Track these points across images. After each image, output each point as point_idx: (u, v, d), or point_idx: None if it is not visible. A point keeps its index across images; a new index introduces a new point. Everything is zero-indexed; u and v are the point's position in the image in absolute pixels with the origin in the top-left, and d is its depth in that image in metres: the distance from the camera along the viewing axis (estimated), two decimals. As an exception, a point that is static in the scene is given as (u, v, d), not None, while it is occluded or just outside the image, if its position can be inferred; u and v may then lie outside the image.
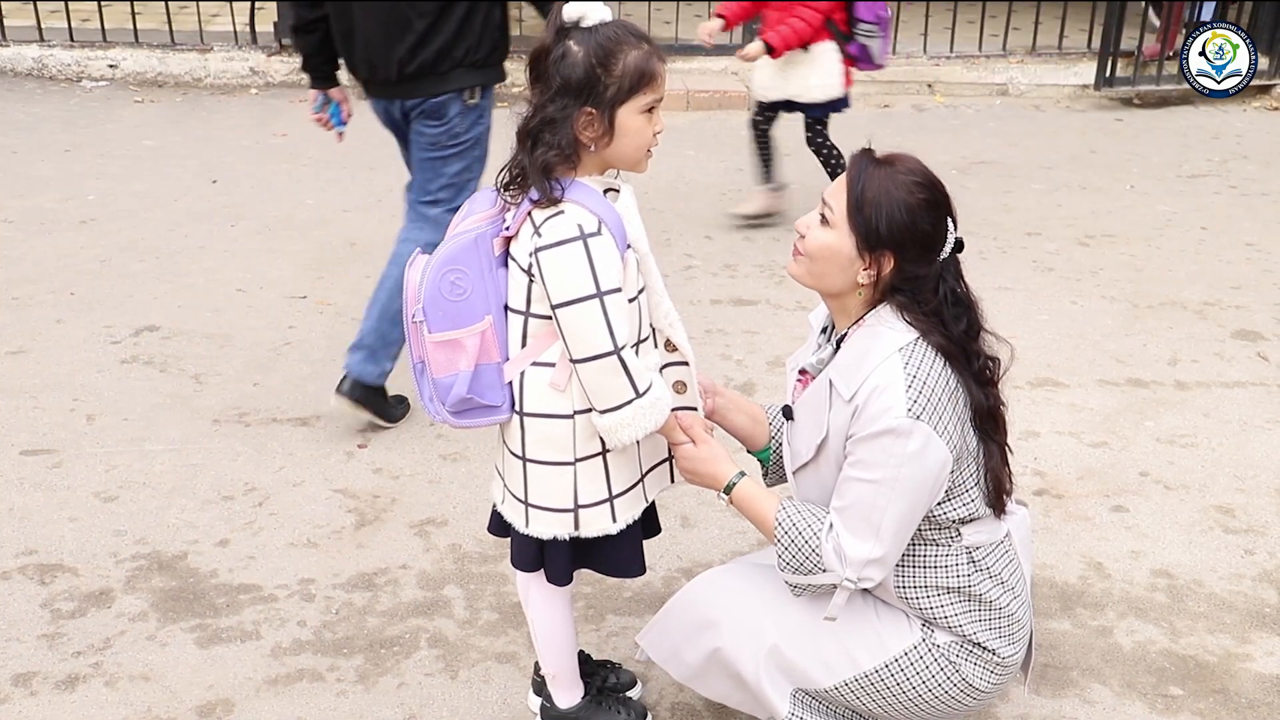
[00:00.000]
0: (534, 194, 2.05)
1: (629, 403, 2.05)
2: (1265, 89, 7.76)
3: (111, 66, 7.88)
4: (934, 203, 2.03)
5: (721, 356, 4.22)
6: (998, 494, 2.13)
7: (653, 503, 2.33)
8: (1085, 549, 3.16)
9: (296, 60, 7.84)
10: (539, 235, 2.02)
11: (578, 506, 2.17)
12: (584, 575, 2.45)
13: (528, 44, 2.13)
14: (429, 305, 2.08)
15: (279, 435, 3.68)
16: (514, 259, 2.10)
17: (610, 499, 2.18)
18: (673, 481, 2.32)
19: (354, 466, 3.52)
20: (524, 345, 2.13)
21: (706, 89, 7.57)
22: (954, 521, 2.10)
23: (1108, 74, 7.75)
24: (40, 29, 7.96)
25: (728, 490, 2.17)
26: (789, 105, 5.23)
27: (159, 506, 3.30)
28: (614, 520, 2.19)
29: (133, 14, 7.96)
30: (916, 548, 2.12)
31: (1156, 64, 7.82)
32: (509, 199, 2.09)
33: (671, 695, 2.62)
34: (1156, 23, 8.13)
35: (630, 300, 2.08)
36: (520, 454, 2.17)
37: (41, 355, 4.17)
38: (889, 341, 2.03)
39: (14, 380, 3.99)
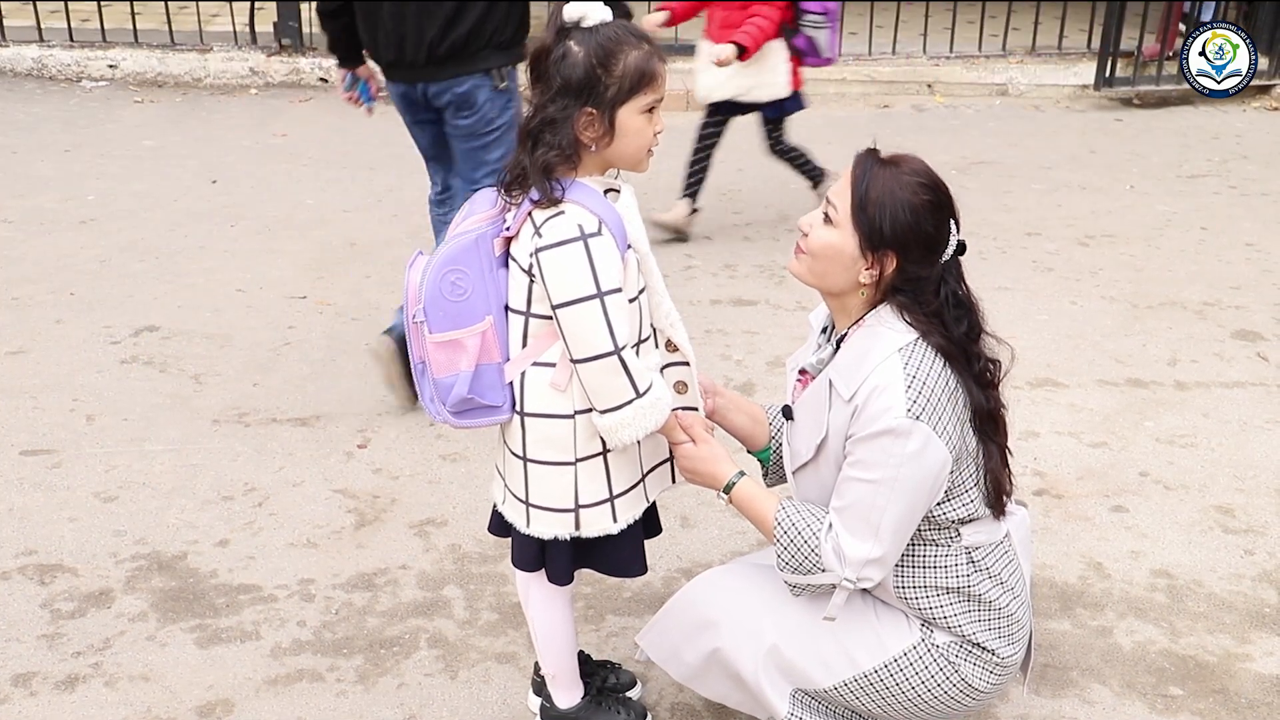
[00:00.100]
0: (534, 194, 2.05)
1: (629, 403, 2.05)
2: (1265, 89, 7.75)
3: (111, 66, 7.88)
4: (938, 204, 2.03)
5: (721, 356, 4.22)
6: (997, 495, 2.13)
7: (654, 503, 2.33)
8: (1085, 549, 3.16)
9: (296, 60, 7.88)
10: (539, 235, 2.02)
11: (578, 506, 2.17)
12: (584, 575, 2.45)
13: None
14: (430, 305, 2.08)
15: (279, 435, 3.68)
16: (514, 259, 2.10)
17: (611, 499, 2.18)
18: (674, 482, 2.32)
19: (354, 466, 3.52)
20: (524, 345, 2.13)
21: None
22: (953, 522, 2.10)
23: (1107, 74, 7.75)
24: (40, 29, 7.97)
25: (727, 490, 2.17)
26: (736, 107, 5.08)
27: (159, 507, 3.30)
28: (615, 520, 2.19)
29: (132, 14, 7.96)
30: (916, 548, 2.12)
31: (1156, 64, 7.82)
32: (509, 199, 2.09)
33: (671, 695, 2.62)
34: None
35: (631, 300, 2.08)
36: (521, 454, 2.17)
37: (41, 355, 4.17)
38: (889, 342, 2.03)
39: (14, 380, 3.99)
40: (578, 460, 2.15)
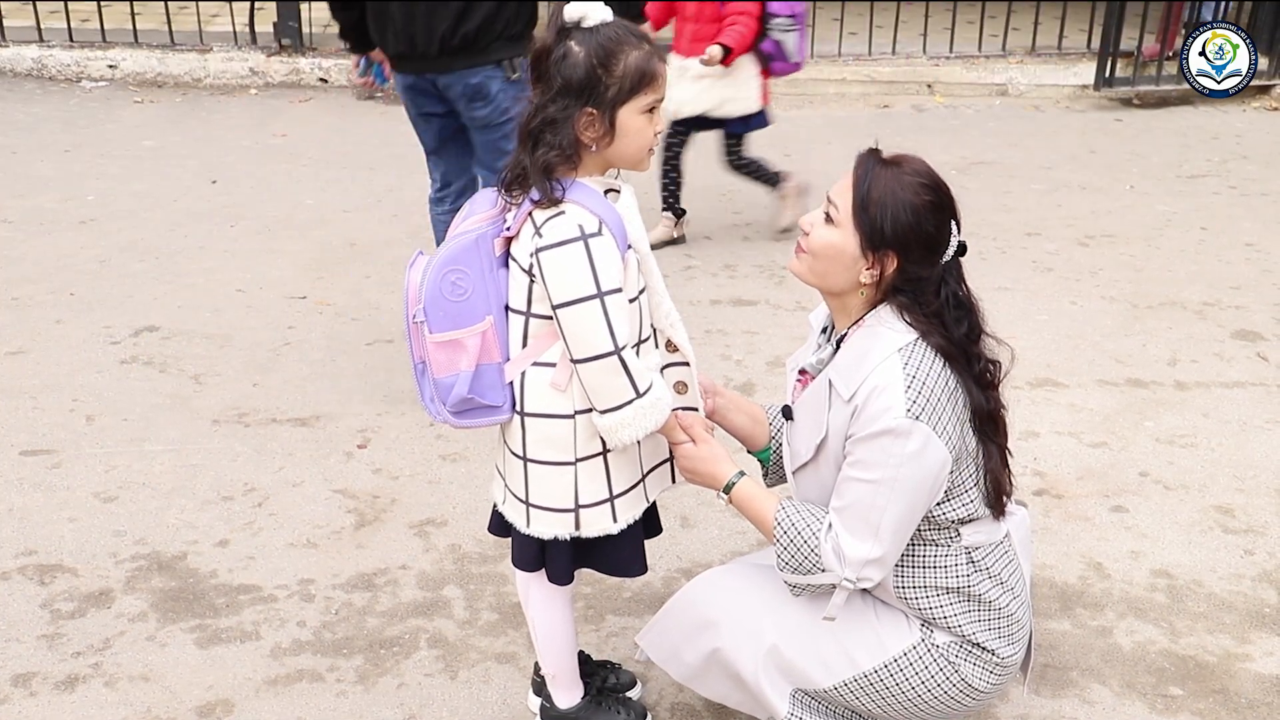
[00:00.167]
0: (535, 194, 2.05)
1: (629, 403, 2.05)
2: (1265, 89, 7.76)
3: (111, 67, 7.88)
4: (939, 205, 2.03)
5: (721, 356, 4.22)
6: (997, 495, 2.13)
7: (654, 503, 2.33)
8: (1085, 549, 3.16)
9: (296, 60, 7.88)
10: (540, 235, 2.02)
11: (578, 506, 2.17)
12: (584, 575, 2.45)
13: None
14: (430, 305, 2.08)
15: (278, 435, 3.68)
16: (515, 259, 2.10)
17: (611, 499, 2.18)
18: (674, 482, 2.32)
19: (354, 467, 3.52)
20: (525, 345, 2.13)
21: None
22: (953, 522, 2.10)
23: (1107, 74, 7.75)
24: (40, 29, 7.97)
25: (727, 490, 2.17)
26: (704, 122, 5.02)
27: (159, 507, 3.30)
28: (615, 520, 2.19)
29: (132, 14, 7.96)
30: (916, 548, 2.12)
31: (1156, 64, 7.82)
32: (510, 199, 2.09)
33: (671, 695, 2.62)
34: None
35: (631, 300, 2.08)
36: (521, 454, 2.17)
37: (41, 355, 4.17)
38: (889, 342, 2.03)
39: (14, 380, 3.99)
40: (578, 460, 2.15)
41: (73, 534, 3.17)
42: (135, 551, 3.11)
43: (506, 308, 2.13)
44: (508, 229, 2.10)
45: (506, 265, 2.12)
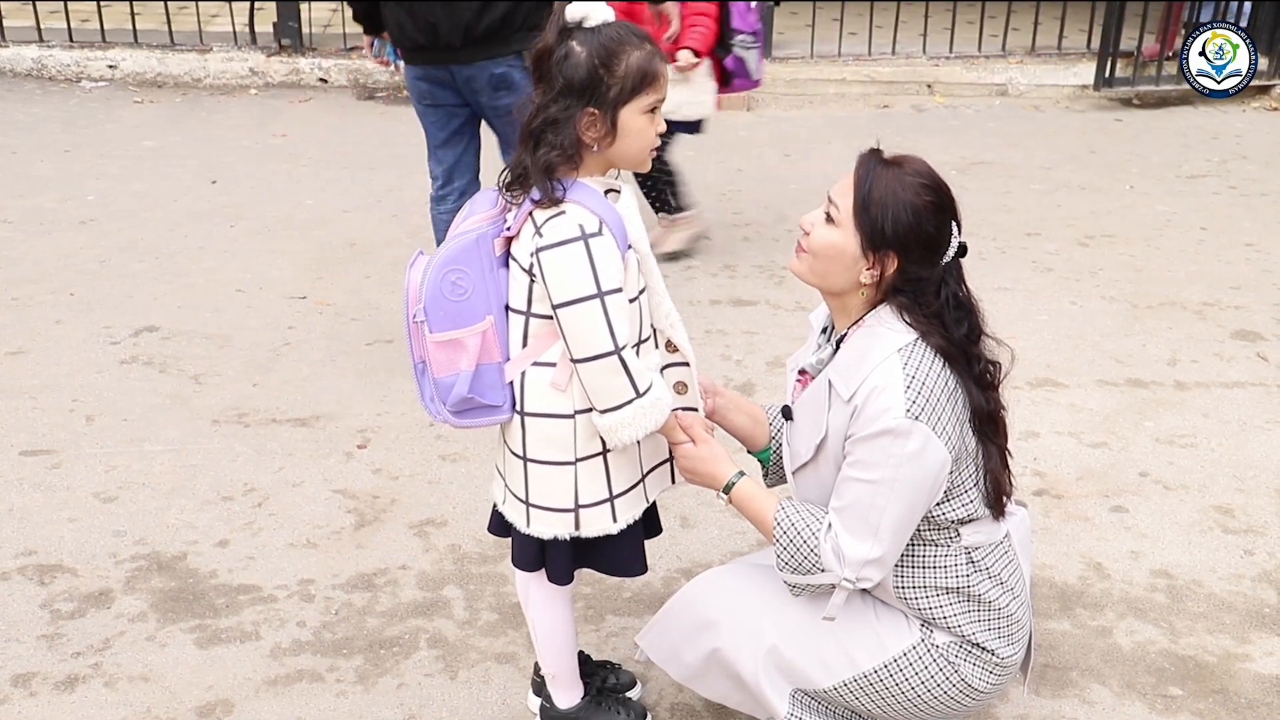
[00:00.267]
0: (535, 194, 2.05)
1: (629, 403, 2.05)
2: (1265, 89, 7.75)
3: (111, 67, 7.88)
4: (940, 206, 2.03)
5: (721, 357, 4.22)
6: (997, 496, 2.13)
7: (654, 503, 2.33)
8: (1085, 549, 3.16)
9: (296, 60, 7.87)
10: (540, 235, 2.02)
11: (578, 506, 2.17)
12: (584, 575, 2.45)
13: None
14: (430, 305, 2.08)
15: (278, 436, 3.68)
16: (515, 259, 2.10)
17: (611, 499, 2.18)
18: (674, 482, 2.32)
19: (353, 467, 3.52)
20: (525, 345, 2.13)
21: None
22: (953, 522, 2.10)
23: (1107, 74, 7.74)
24: (40, 29, 7.96)
25: (727, 490, 2.17)
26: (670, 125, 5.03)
27: (158, 507, 3.30)
28: (614, 520, 2.19)
29: (132, 14, 7.96)
30: (915, 548, 2.12)
31: (1156, 64, 7.82)
32: (510, 199, 2.10)
33: (671, 695, 2.62)
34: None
35: (631, 300, 2.08)
36: (521, 454, 2.17)
37: (41, 355, 4.17)
38: (888, 342, 2.03)
39: (14, 380, 3.99)
40: (578, 460, 2.15)
41: (73, 534, 3.17)
42: (135, 552, 3.11)
43: (507, 307, 2.13)
44: (508, 229, 2.10)
45: (507, 265, 2.12)
